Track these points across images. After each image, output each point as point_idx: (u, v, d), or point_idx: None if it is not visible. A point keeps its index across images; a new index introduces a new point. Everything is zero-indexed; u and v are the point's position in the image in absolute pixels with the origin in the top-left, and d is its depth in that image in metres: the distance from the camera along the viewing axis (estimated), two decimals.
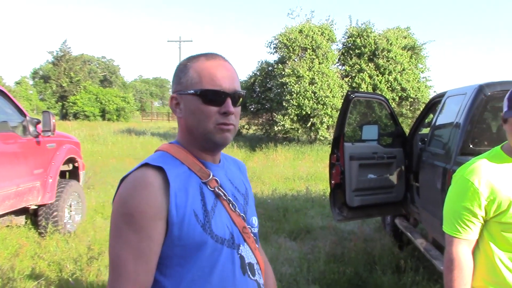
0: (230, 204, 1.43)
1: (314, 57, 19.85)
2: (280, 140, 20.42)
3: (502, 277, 1.94)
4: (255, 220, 1.56)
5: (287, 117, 19.05)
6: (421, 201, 5.21)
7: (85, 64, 55.51)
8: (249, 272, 1.43)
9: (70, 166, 7.09)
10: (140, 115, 58.79)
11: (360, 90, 19.36)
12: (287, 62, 20.18)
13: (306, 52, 20.12)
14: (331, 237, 6.58)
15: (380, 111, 15.52)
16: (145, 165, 1.32)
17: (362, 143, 5.89)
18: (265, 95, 21.95)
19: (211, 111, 1.37)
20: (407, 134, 6.13)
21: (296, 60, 20.17)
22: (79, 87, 48.21)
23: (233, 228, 1.41)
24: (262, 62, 22.85)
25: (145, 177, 1.28)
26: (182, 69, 1.42)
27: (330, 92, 18.97)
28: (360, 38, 21.32)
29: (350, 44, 21.84)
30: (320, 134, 19.35)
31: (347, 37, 22.15)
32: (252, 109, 22.65)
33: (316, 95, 18.75)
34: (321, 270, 5.14)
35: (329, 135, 19.46)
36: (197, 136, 1.40)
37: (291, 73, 19.30)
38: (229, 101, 1.38)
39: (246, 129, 24.58)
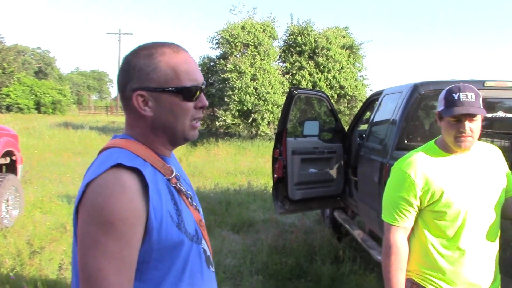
0: (189, 199, 1.39)
1: (256, 53, 20.04)
2: (221, 135, 20.51)
3: (434, 260, 2.12)
4: (201, 211, 1.51)
5: (228, 113, 19.15)
6: (359, 194, 5.44)
7: (19, 55, 52.94)
8: (210, 265, 1.42)
9: (8, 160, 6.84)
10: (77, 108, 56.87)
11: (301, 87, 19.74)
12: (229, 58, 20.27)
13: (248, 49, 20.28)
14: (273, 230, 6.74)
15: (319, 107, 15.95)
16: (117, 166, 1.19)
17: (303, 139, 6.06)
18: (206, 90, 21.91)
19: (189, 107, 1.32)
20: (346, 130, 6.37)
21: (238, 56, 20.30)
22: (13, 79, 45.95)
23: (195, 223, 1.36)
24: (204, 57, 22.82)
25: (121, 181, 1.17)
26: (147, 63, 1.29)
27: (271, 88, 19.23)
28: (301, 36, 21.73)
29: (291, 42, 22.22)
30: (261, 129, 19.60)
31: (288, 35, 22.52)
32: None
33: (257, 91, 18.96)
34: (264, 261, 5.28)
35: (270, 131, 19.75)
36: (171, 134, 1.33)
37: (233, 69, 19.41)
38: (202, 94, 1.36)
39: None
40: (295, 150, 5.64)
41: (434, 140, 2.27)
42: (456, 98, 2.07)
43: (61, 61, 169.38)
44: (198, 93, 1.32)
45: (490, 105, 4.66)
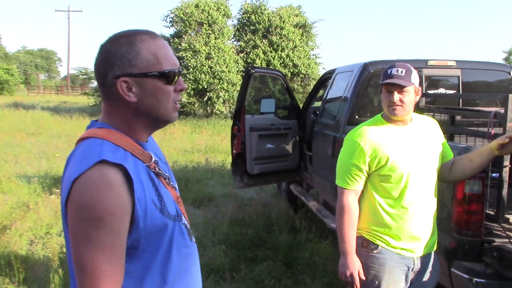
0: (166, 180, 1.44)
1: (210, 32, 20.06)
2: None
3: (381, 218, 2.43)
4: (177, 187, 1.56)
5: (184, 92, 19.13)
6: (314, 168, 5.75)
7: None
8: (192, 237, 1.49)
9: None
10: (25, 88, 54.82)
11: (255, 65, 19.94)
12: (184, 36, 20.20)
13: (203, 27, 20.27)
14: (233, 204, 7.00)
15: (273, 86, 16.23)
16: (102, 162, 1.23)
17: (261, 116, 6.29)
18: None
19: (170, 90, 1.37)
20: (301, 107, 6.65)
21: (192, 34, 20.26)
22: None
23: (174, 202, 1.43)
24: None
25: (108, 177, 1.22)
26: (128, 50, 1.32)
27: (226, 67, 19.35)
28: (254, 14, 21.84)
29: (245, 21, 22.30)
30: (216, 108, 19.75)
31: (242, 13, 22.58)
32: None
33: (212, 69, 19.05)
34: (225, 233, 5.54)
35: (225, 109, 19.92)
36: (154, 118, 1.38)
37: (188, 47, 19.38)
38: (181, 78, 1.41)
39: None
40: (253, 126, 5.86)
41: (380, 113, 2.56)
42: (388, 72, 2.41)
43: (7, 39, 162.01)
44: (176, 77, 1.38)
45: (433, 82, 5.05)
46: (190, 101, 19.64)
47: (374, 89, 5.24)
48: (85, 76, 26.20)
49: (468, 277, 2.77)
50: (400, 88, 2.36)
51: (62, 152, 11.30)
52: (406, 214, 2.40)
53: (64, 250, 4.79)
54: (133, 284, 1.31)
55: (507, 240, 2.79)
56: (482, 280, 2.73)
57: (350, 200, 2.45)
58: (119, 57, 1.32)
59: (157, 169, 1.40)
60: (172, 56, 1.39)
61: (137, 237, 1.28)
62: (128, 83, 1.32)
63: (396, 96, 2.35)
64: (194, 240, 1.51)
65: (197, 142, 13.75)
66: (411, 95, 2.39)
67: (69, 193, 1.22)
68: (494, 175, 2.96)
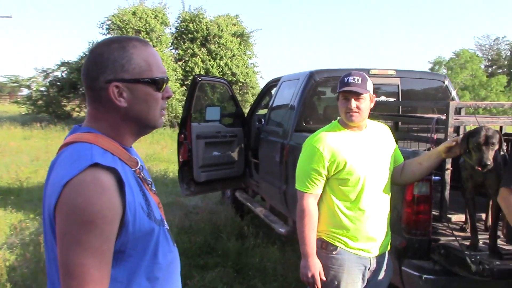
0: (149, 185, 1.46)
1: (148, 40, 19.73)
2: None
3: (339, 220, 2.52)
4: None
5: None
6: (260, 174, 5.83)
7: None
8: (174, 242, 1.51)
9: None
10: None
11: (194, 74, 19.88)
12: None
13: (140, 35, 19.95)
14: (178, 212, 6.96)
15: (212, 94, 16.22)
16: (94, 165, 1.23)
17: (207, 123, 6.31)
18: None
19: (159, 97, 1.40)
20: (245, 115, 6.73)
21: None
22: None
23: (157, 207, 1.43)
24: (93, 42, 21.99)
25: (100, 181, 1.22)
26: (121, 55, 1.33)
27: None
28: (192, 23, 21.79)
29: (183, 29, 22.19)
30: None
31: (180, 22, 22.46)
32: (83, 91, 21.74)
33: None
34: (173, 241, 5.48)
35: (164, 118, 19.63)
36: (143, 123, 1.40)
37: None
38: (168, 85, 1.44)
39: (77, 111, 23.60)
40: (199, 134, 5.88)
41: (337, 120, 2.67)
42: (346, 80, 2.53)
43: None
44: (165, 84, 1.40)
45: (374, 90, 5.27)
46: None
47: (319, 97, 5.40)
48: (15, 83, 24.96)
49: (418, 274, 2.93)
50: (357, 96, 2.47)
51: None
52: (363, 216, 2.51)
53: (8, 264, 4.60)
54: None
55: (452, 238, 2.97)
56: (431, 277, 2.90)
57: (310, 203, 2.53)
58: (111, 61, 1.33)
59: (142, 175, 1.42)
60: (162, 64, 1.42)
61: (125, 241, 1.28)
62: (120, 88, 1.33)
63: (353, 103, 2.47)
64: (175, 245, 1.52)
65: (137, 151, 13.44)
66: (367, 102, 2.51)
67: (59, 196, 1.20)
68: (435, 178, 3.14)
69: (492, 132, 2.58)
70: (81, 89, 21.75)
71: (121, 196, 1.25)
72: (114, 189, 1.23)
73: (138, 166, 1.40)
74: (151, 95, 1.37)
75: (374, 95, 2.60)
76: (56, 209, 1.22)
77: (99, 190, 1.20)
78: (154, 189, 1.50)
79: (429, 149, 3.71)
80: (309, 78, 4.99)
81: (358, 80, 2.49)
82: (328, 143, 2.52)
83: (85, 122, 1.40)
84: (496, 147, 2.58)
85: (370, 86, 2.53)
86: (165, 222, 1.48)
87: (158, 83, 1.38)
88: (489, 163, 2.53)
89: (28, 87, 24.48)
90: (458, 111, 4.04)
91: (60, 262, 1.22)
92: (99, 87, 1.33)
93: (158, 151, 13.39)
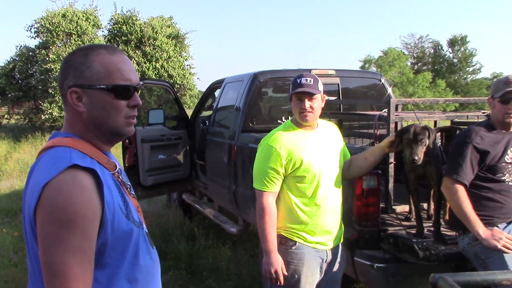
0: (128, 189, 1.48)
1: (80, 43, 19.18)
2: (47, 129, 19.27)
3: (297, 216, 2.63)
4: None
5: (54, 105, 18.18)
6: (208, 176, 5.87)
7: None
8: (152, 245, 1.53)
9: None
10: None
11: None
12: (51, 47, 19.09)
13: (72, 38, 19.34)
14: None
15: (149, 97, 16.07)
16: (73, 166, 1.26)
17: (151, 127, 6.27)
18: (27, 82, 20.40)
19: (121, 105, 1.39)
20: (189, 117, 6.74)
21: (60, 45, 19.24)
22: None
23: (135, 210, 1.46)
24: (21, 46, 21.13)
25: (80, 181, 1.25)
26: (82, 62, 1.37)
27: None
28: (126, 25, 21.29)
29: (116, 31, 21.66)
30: None
31: (113, 24, 21.91)
32: (12, 97, 20.87)
33: None
34: (153, 244, 5.42)
35: None
36: (105, 130, 1.41)
37: (56, 59, 18.35)
38: (136, 94, 1.43)
39: (7, 119, 22.52)
40: (144, 138, 5.84)
41: (290, 119, 2.78)
42: (299, 82, 2.64)
43: None
44: (130, 92, 1.40)
45: None
46: (62, 114, 18.61)
47: (264, 97, 5.52)
48: None
49: (369, 264, 3.11)
50: (310, 96, 2.59)
51: None
52: (319, 211, 2.64)
53: None
54: None
55: (399, 227, 3.17)
56: (382, 265, 3.08)
57: (269, 201, 2.63)
58: (73, 68, 1.38)
59: (120, 178, 1.45)
60: (129, 72, 1.42)
61: (105, 242, 1.31)
62: (79, 94, 1.37)
63: (307, 103, 2.58)
64: (154, 248, 1.56)
65: None
66: (319, 101, 2.64)
67: (39, 198, 1.23)
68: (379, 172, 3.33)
69: (420, 129, 2.79)
70: (10, 95, 20.81)
71: (99, 196, 1.28)
72: (93, 189, 1.27)
73: (116, 170, 1.43)
74: (110, 102, 1.38)
75: (325, 95, 2.73)
76: (37, 210, 1.24)
77: (78, 190, 1.24)
78: (133, 193, 1.53)
79: (372, 145, 3.92)
80: (253, 79, 5.09)
81: (310, 81, 2.61)
82: (284, 142, 2.62)
83: (63, 127, 1.44)
84: (426, 142, 2.79)
85: (321, 87, 2.66)
86: (144, 225, 1.51)
87: (117, 91, 1.38)
88: (416, 158, 2.74)
89: None
90: (396, 108, 4.27)
91: (42, 263, 1.24)
92: (64, 93, 1.39)
93: None
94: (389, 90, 5.65)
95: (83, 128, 1.40)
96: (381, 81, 5.61)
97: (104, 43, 21.07)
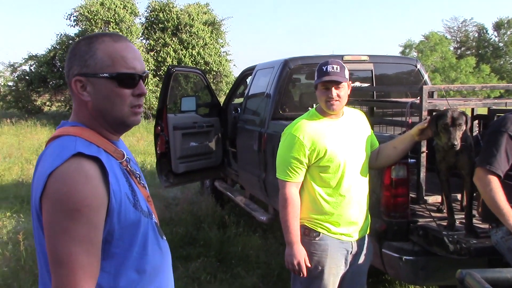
0: (138, 178, 1.47)
1: (118, 30, 19.48)
2: None
3: (321, 207, 2.57)
4: (147, 187, 1.58)
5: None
6: (239, 163, 5.86)
7: None
8: (162, 235, 1.53)
9: None
10: None
11: (166, 64, 19.70)
12: None
13: (110, 26, 19.65)
14: (158, 204, 6.92)
15: (186, 84, 16.20)
16: (77, 155, 1.25)
17: (183, 114, 6.29)
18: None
19: (125, 94, 1.37)
20: (221, 104, 6.73)
21: None
22: None
23: (144, 200, 1.45)
24: (61, 35, 21.61)
25: (84, 170, 1.24)
26: (86, 50, 1.36)
27: None
28: (162, 12, 21.51)
29: (153, 19, 21.90)
30: None
31: (149, 11, 22.14)
32: (53, 84, 21.41)
33: None
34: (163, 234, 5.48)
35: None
36: (110, 119, 1.39)
37: None
38: (141, 82, 1.40)
39: (48, 106, 23.15)
40: (176, 125, 5.86)
41: (314, 107, 2.71)
42: (325, 69, 2.54)
43: None
44: (135, 80, 1.38)
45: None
46: None
47: (295, 84, 5.44)
48: None
49: (398, 256, 3.02)
50: (337, 84, 2.50)
51: None
52: (343, 201, 2.57)
53: None
54: (107, 280, 1.33)
55: (430, 219, 3.06)
56: (411, 258, 2.99)
57: (292, 192, 2.57)
58: (78, 57, 1.37)
59: (129, 167, 1.44)
60: (133, 60, 1.39)
61: (111, 231, 1.30)
62: (83, 83, 1.36)
63: (334, 92, 2.50)
64: (164, 238, 1.55)
65: None
66: (345, 89, 2.55)
67: (44, 187, 1.23)
68: (411, 161, 3.22)
69: (458, 114, 2.67)
70: (51, 83, 21.37)
71: (105, 184, 1.27)
72: (99, 178, 1.26)
73: (124, 158, 1.42)
74: (114, 91, 1.36)
75: (350, 82, 2.64)
76: (42, 200, 1.24)
77: (83, 179, 1.22)
78: (143, 182, 1.51)
79: (404, 133, 3.79)
80: (283, 66, 5.02)
81: (337, 68, 2.52)
82: (308, 131, 2.55)
83: (71, 116, 1.43)
84: (464, 128, 2.67)
85: (347, 74, 2.57)
86: (154, 216, 1.49)
87: (120, 79, 1.36)
88: (456, 143, 2.61)
89: None
90: (431, 95, 4.13)
91: (48, 252, 1.23)
92: (69, 82, 1.38)
93: (134, 144, 13.32)
94: (425, 76, 5.48)
95: (89, 117, 1.39)
96: (416, 67, 5.44)
97: (142, 30, 21.41)
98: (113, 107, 1.37)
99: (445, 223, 2.96)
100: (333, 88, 2.51)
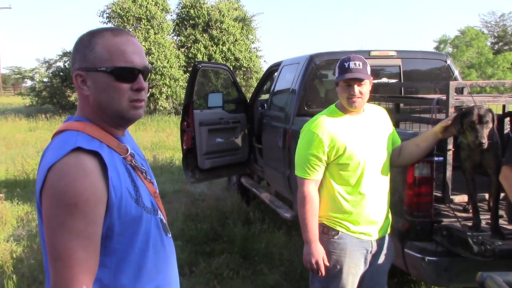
0: (143, 173, 1.46)
1: (149, 27, 19.76)
2: None
3: (340, 205, 2.52)
4: (155, 182, 1.59)
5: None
6: (264, 160, 5.84)
7: None
8: (167, 232, 1.51)
9: None
10: None
11: (197, 60, 19.83)
12: None
13: (141, 23, 19.91)
14: (185, 199, 6.98)
15: (216, 80, 16.21)
16: (77, 149, 1.25)
17: (209, 110, 6.30)
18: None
19: (123, 88, 1.36)
20: (248, 100, 6.72)
21: (131, 30, 19.86)
22: None
23: (150, 196, 1.44)
24: None
25: (82, 164, 1.24)
26: (86, 45, 1.37)
27: (168, 62, 19.15)
28: (193, 9, 21.68)
29: (184, 15, 22.09)
30: (159, 104, 19.51)
31: (181, 8, 22.35)
32: None
33: (153, 65, 18.77)
34: (180, 228, 5.54)
35: (169, 105, 19.70)
36: (109, 114, 1.38)
37: None
38: (141, 77, 1.39)
39: None
40: (202, 121, 5.88)
41: (334, 104, 2.66)
42: (346, 66, 2.48)
43: None
44: (133, 75, 1.37)
45: (375, 72, 5.24)
46: None
47: (320, 80, 5.38)
48: (18, 75, 25.11)
49: (420, 256, 2.94)
50: (359, 81, 2.45)
51: (0, 155, 10.84)
52: (363, 200, 2.51)
53: (15, 255, 4.66)
54: (108, 275, 1.32)
55: (454, 219, 2.97)
56: (434, 258, 2.90)
57: (311, 189, 2.53)
58: (79, 52, 1.38)
59: (133, 162, 1.43)
60: (132, 53, 1.38)
61: (111, 226, 1.29)
62: (83, 77, 1.36)
63: (356, 89, 2.44)
64: (170, 235, 1.53)
65: (142, 140, 13.53)
66: (368, 86, 2.49)
67: (44, 181, 1.24)
68: (437, 159, 3.13)
69: (485, 111, 2.57)
70: None
71: (104, 179, 1.26)
72: (97, 173, 1.25)
73: (128, 153, 1.41)
74: (112, 85, 1.35)
75: (372, 77, 2.57)
76: (42, 193, 1.25)
77: (81, 173, 1.23)
78: (149, 177, 1.50)
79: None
80: (309, 61, 4.96)
81: (359, 65, 2.46)
82: (327, 128, 2.50)
83: (76, 111, 1.44)
84: (490, 125, 2.58)
85: (369, 70, 2.51)
86: (160, 212, 1.48)
87: (118, 73, 1.35)
88: (484, 141, 2.52)
89: (31, 78, 24.46)
90: (460, 91, 4.01)
91: (47, 245, 1.24)
92: (72, 76, 1.40)
93: (163, 139, 13.43)
94: (456, 72, 5.33)
95: (92, 112, 1.39)
96: (446, 63, 5.30)
97: (173, 27, 21.58)
98: (112, 102, 1.36)
99: (470, 224, 2.87)
100: (355, 85, 2.45)
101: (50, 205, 1.23)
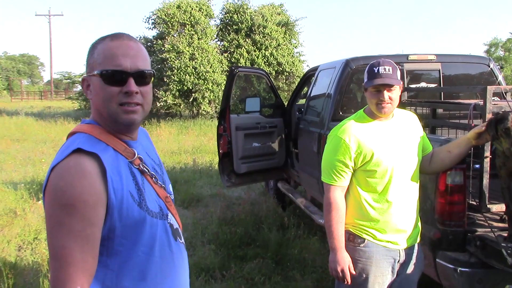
0: (153, 178, 1.46)
1: (193, 32, 20.02)
2: (162, 116, 20.40)
3: (366, 212, 2.47)
4: (170, 187, 1.61)
5: (169, 93, 19.10)
6: (300, 165, 5.80)
7: None
8: (178, 237, 1.52)
9: None
10: (8, 94, 53.86)
11: (239, 65, 19.95)
12: (167, 38, 20.15)
13: (185, 28, 20.20)
14: (221, 203, 7.02)
15: (258, 84, 16.27)
16: (77, 151, 1.28)
17: (246, 115, 6.32)
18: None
19: (113, 91, 1.36)
20: (285, 105, 6.70)
21: (175, 36, 20.21)
22: None
23: (159, 200, 1.45)
24: (140, 37, 22.46)
25: (82, 166, 1.26)
26: (90, 51, 1.42)
27: (210, 67, 19.33)
28: (237, 14, 21.82)
29: (227, 20, 22.26)
30: (202, 108, 19.74)
31: (224, 13, 22.54)
32: None
33: (196, 70, 19.02)
34: (215, 232, 5.57)
35: (211, 110, 19.89)
36: (106, 117, 1.40)
37: (171, 48, 19.33)
38: (131, 80, 1.37)
39: None
40: (239, 126, 5.90)
41: (363, 109, 2.61)
42: (376, 71, 2.43)
43: None
44: (122, 78, 1.37)
45: (414, 76, 5.13)
46: (175, 102, 19.59)
47: (356, 85, 5.30)
48: (68, 80, 26.06)
49: (452, 267, 2.84)
50: (389, 87, 2.39)
51: (47, 158, 11.23)
52: (391, 208, 2.45)
53: None
54: (110, 277, 1.34)
55: (489, 229, 2.85)
56: (467, 269, 2.80)
57: (337, 196, 2.49)
58: (87, 58, 1.45)
59: (141, 166, 1.43)
60: (121, 57, 1.37)
61: (112, 228, 1.30)
62: (87, 82, 1.43)
63: (386, 94, 2.39)
64: (181, 240, 1.54)
65: (184, 143, 13.74)
66: (398, 91, 2.44)
67: (47, 181, 1.28)
68: (476, 166, 3.02)
69: None
70: None
71: (104, 181, 1.28)
72: (97, 174, 1.27)
73: (135, 157, 1.42)
74: (101, 88, 1.38)
75: (401, 82, 2.51)
76: (44, 193, 1.29)
77: (80, 174, 1.25)
78: (161, 182, 1.51)
79: None
80: (345, 66, 4.90)
81: (389, 70, 2.40)
82: (354, 134, 2.46)
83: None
84: None
85: (399, 75, 2.46)
86: (170, 217, 1.49)
87: (105, 76, 1.37)
88: None
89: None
90: (503, 96, 3.86)
91: (47, 244, 1.27)
92: None
93: (204, 143, 13.57)
94: (500, 77, 5.14)
95: (98, 115, 1.43)
96: (489, 67, 5.12)
97: (216, 32, 21.80)
98: (103, 104, 1.39)
99: (505, 234, 2.75)
100: (385, 91, 2.40)
101: (50, 205, 1.26)
